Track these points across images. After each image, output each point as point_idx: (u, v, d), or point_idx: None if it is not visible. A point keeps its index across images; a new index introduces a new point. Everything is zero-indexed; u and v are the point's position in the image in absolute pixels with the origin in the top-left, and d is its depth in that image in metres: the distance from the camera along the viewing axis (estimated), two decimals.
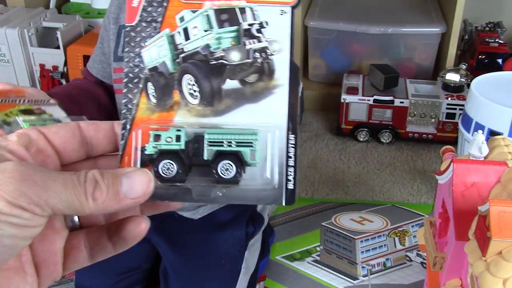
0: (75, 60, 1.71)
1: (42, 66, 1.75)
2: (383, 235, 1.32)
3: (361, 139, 1.69)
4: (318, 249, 1.28)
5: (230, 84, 0.37)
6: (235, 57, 0.37)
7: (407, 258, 1.25)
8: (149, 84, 0.37)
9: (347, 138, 1.71)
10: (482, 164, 0.70)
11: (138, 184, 0.32)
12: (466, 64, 1.65)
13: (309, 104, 1.87)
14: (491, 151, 0.75)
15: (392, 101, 1.62)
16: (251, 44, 0.37)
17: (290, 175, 0.36)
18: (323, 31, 1.82)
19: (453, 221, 0.70)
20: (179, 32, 0.37)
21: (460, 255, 0.68)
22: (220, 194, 0.36)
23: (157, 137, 0.36)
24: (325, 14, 1.86)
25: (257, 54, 0.37)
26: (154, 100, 0.37)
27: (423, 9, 1.91)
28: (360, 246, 1.28)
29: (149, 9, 0.37)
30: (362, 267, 1.23)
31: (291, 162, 0.36)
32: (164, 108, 0.37)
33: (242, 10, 0.37)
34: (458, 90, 1.62)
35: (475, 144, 0.73)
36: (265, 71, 0.37)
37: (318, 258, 1.26)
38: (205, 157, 0.36)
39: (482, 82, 1.29)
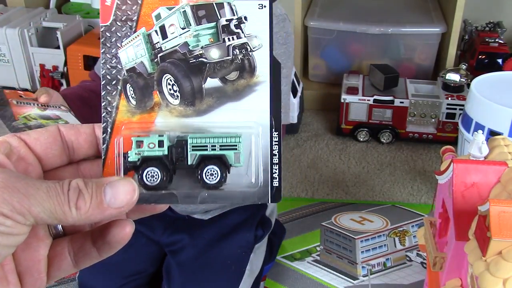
0: (75, 60, 1.71)
1: (42, 66, 1.75)
2: (383, 235, 1.32)
3: (361, 139, 1.69)
4: (318, 249, 1.28)
5: (211, 82, 0.36)
6: (214, 54, 0.36)
7: (407, 258, 1.25)
8: (128, 86, 0.36)
9: (347, 138, 1.71)
10: (482, 164, 0.70)
11: (122, 193, 0.32)
12: (466, 64, 1.65)
13: (309, 104, 1.87)
14: (491, 151, 0.75)
15: (392, 101, 1.62)
16: (231, 41, 0.36)
17: (275, 172, 0.36)
18: (323, 31, 1.82)
19: (453, 221, 0.70)
20: (156, 31, 0.36)
21: (460, 255, 0.68)
22: (206, 195, 0.36)
23: (139, 144, 0.35)
24: (325, 14, 1.86)
25: (237, 51, 0.36)
26: (134, 102, 0.36)
27: (423, 9, 1.91)
28: (360, 246, 1.28)
29: (124, 7, 0.36)
30: (362, 267, 1.23)
31: (276, 160, 0.36)
32: (144, 110, 0.36)
33: (220, 6, 0.36)
34: (458, 90, 1.62)
35: (475, 144, 0.73)
36: (246, 68, 0.36)
37: (318, 258, 1.26)
38: (189, 161, 0.35)
39: (482, 82, 1.29)
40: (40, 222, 0.30)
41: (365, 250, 1.27)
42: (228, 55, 0.36)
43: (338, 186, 1.51)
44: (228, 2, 0.36)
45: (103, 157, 0.35)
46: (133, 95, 0.36)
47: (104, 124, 0.36)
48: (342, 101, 1.65)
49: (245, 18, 0.36)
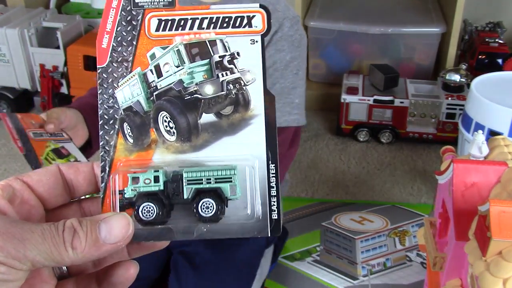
0: (75, 60, 1.71)
1: (42, 66, 1.75)
2: (383, 235, 1.32)
3: (361, 139, 1.69)
4: (318, 249, 1.28)
5: (206, 118, 0.37)
6: (209, 90, 0.37)
7: (407, 258, 1.25)
8: (125, 125, 0.37)
9: (347, 138, 1.71)
10: (482, 164, 0.70)
11: (117, 228, 0.32)
12: (466, 64, 1.65)
13: (309, 104, 1.87)
14: (491, 151, 0.75)
15: (392, 101, 1.62)
16: (224, 76, 0.37)
17: (274, 205, 0.36)
18: (323, 31, 1.82)
19: (453, 221, 0.70)
20: (151, 70, 0.37)
21: (460, 255, 0.68)
22: (204, 230, 0.36)
23: (135, 180, 0.36)
24: (325, 14, 1.86)
25: (231, 86, 0.37)
26: (131, 140, 0.37)
27: (423, 9, 1.91)
28: (360, 246, 1.28)
29: (119, 49, 0.37)
30: (362, 267, 1.23)
31: (273, 192, 0.36)
32: (142, 148, 0.37)
33: (213, 43, 0.37)
34: (458, 90, 1.62)
35: (475, 144, 0.73)
36: (240, 102, 0.37)
37: (318, 258, 1.26)
38: (185, 196, 0.36)
39: (482, 82, 1.29)
40: (37, 265, 0.30)
41: (365, 250, 1.27)
42: (223, 90, 0.37)
43: (338, 186, 1.51)
44: (221, 39, 0.37)
45: (101, 196, 0.36)
46: (130, 134, 0.37)
47: (103, 163, 0.37)
48: (342, 101, 1.65)
49: (238, 53, 0.37)
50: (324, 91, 1.88)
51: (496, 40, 1.81)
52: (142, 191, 0.36)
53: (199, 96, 0.37)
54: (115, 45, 0.37)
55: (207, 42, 0.37)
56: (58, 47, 1.74)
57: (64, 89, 1.79)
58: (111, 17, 0.37)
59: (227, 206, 0.36)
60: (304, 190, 1.49)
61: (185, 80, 0.37)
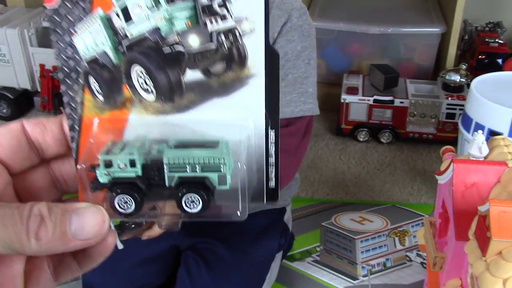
0: None
1: (42, 66, 1.75)
2: (383, 235, 1.32)
3: (361, 139, 1.69)
4: (318, 249, 1.28)
5: (192, 75, 0.30)
6: (194, 42, 0.30)
7: (407, 258, 1.25)
8: (91, 79, 0.31)
9: (347, 138, 1.71)
10: (482, 164, 0.70)
11: (89, 224, 0.28)
12: (466, 64, 1.65)
13: None
14: (491, 151, 0.75)
15: (392, 101, 1.62)
16: (214, 24, 0.29)
17: (272, 173, 0.32)
18: (323, 31, 1.82)
19: (453, 221, 0.70)
20: (116, 14, 0.30)
21: (460, 255, 0.68)
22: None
23: (107, 164, 0.30)
24: (325, 14, 1.86)
25: (223, 37, 0.30)
26: (100, 97, 0.31)
27: (423, 9, 1.91)
28: (360, 246, 1.28)
29: None
30: (362, 267, 1.22)
31: (272, 161, 0.31)
32: (115, 106, 0.31)
33: None
34: (458, 90, 1.62)
35: (475, 144, 0.73)
36: (235, 58, 0.30)
37: (318, 258, 1.25)
38: (167, 183, 0.30)
39: (482, 82, 1.29)
40: None
41: (365, 250, 1.27)
42: (211, 42, 0.30)
43: (338, 186, 1.51)
44: None
45: (74, 157, 0.31)
46: (98, 90, 0.31)
47: (70, 121, 0.31)
48: (342, 101, 1.65)
49: None
50: (324, 91, 1.88)
51: (496, 40, 1.81)
52: (116, 177, 0.30)
53: (182, 50, 0.30)
54: None
55: None
56: None
57: None
58: None
59: (213, 196, 0.30)
60: (304, 190, 1.49)
61: (163, 27, 0.29)
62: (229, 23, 0.29)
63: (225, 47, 0.30)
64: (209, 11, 0.29)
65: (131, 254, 1.05)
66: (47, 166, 0.33)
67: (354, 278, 1.20)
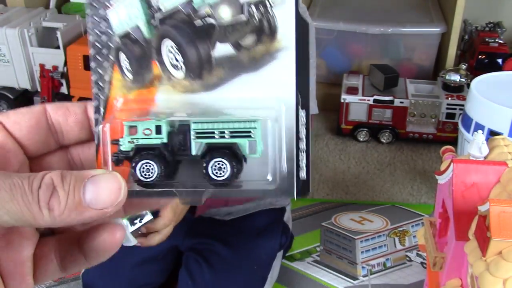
0: (75, 60, 1.71)
1: (42, 66, 1.75)
2: (383, 235, 1.32)
3: (361, 139, 1.69)
4: (318, 249, 1.28)
5: (221, 49, 0.29)
6: (225, 13, 0.29)
7: (407, 258, 1.25)
8: (122, 55, 0.30)
9: (347, 138, 1.71)
10: (482, 164, 0.70)
11: (105, 192, 0.27)
12: (466, 64, 1.65)
13: None
14: (491, 151, 0.75)
15: (392, 101, 1.62)
16: None
17: (302, 160, 0.29)
18: (323, 31, 1.82)
19: (453, 221, 0.70)
20: None
21: (460, 255, 0.68)
22: (214, 189, 0.29)
23: (132, 129, 0.29)
24: (325, 14, 1.86)
25: (253, 8, 0.29)
26: (129, 75, 0.30)
27: (423, 9, 1.91)
28: (360, 246, 1.28)
29: None
30: (362, 267, 1.22)
31: (302, 146, 0.29)
32: (142, 84, 0.30)
33: None
34: (458, 90, 1.62)
35: (475, 144, 0.73)
36: (265, 30, 0.29)
37: (318, 258, 1.25)
38: (193, 152, 0.29)
39: (482, 82, 1.29)
40: (5, 225, 0.26)
41: (365, 250, 1.27)
42: (243, 14, 0.29)
43: (338, 186, 1.51)
44: None
45: (96, 142, 0.30)
46: (128, 67, 0.30)
47: (96, 102, 0.30)
48: (342, 101, 1.65)
49: None
50: (324, 91, 1.88)
51: (496, 40, 1.81)
52: (140, 144, 0.29)
53: (213, 22, 0.29)
54: None
55: None
56: (58, 47, 1.73)
57: (64, 89, 1.78)
58: None
59: (245, 163, 0.29)
60: None
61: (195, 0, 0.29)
62: None
63: (256, 19, 0.29)
64: None
65: (131, 254, 1.05)
66: (66, 151, 0.32)
67: (354, 278, 1.20)
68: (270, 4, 0.28)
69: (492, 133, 1.17)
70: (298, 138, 0.29)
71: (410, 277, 1.19)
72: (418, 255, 1.25)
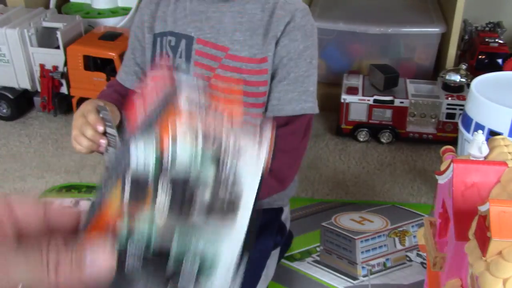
0: (75, 60, 1.71)
1: (42, 66, 1.75)
2: (383, 235, 1.32)
3: (361, 139, 1.69)
4: (318, 249, 1.28)
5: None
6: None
7: (407, 258, 1.25)
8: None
9: (347, 138, 1.71)
10: (482, 164, 0.71)
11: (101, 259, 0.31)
12: (466, 64, 1.65)
13: None
14: (491, 151, 0.75)
15: (392, 101, 1.62)
16: None
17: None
18: (323, 31, 1.81)
19: (453, 221, 0.70)
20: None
21: (460, 255, 0.68)
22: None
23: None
24: (325, 14, 1.86)
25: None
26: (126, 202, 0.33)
27: (423, 9, 1.91)
28: (360, 246, 1.28)
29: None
30: (362, 267, 1.23)
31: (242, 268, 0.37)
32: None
33: None
34: (458, 90, 1.62)
35: (475, 144, 0.73)
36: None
37: (318, 258, 1.25)
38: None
39: (482, 82, 1.29)
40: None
41: (365, 251, 1.27)
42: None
43: (338, 186, 1.51)
44: None
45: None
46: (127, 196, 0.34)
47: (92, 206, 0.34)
48: (342, 101, 1.65)
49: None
50: (324, 91, 1.87)
51: (496, 40, 1.81)
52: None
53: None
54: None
55: None
56: (58, 47, 1.74)
57: (64, 89, 1.78)
58: None
59: None
60: (304, 190, 1.49)
61: None
62: None
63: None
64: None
65: None
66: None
67: (354, 278, 1.20)
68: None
69: (492, 133, 1.17)
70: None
71: (410, 277, 1.19)
72: (418, 255, 1.25)
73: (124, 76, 1.05)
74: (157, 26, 0.99)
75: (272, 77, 0.96)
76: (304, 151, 1.05)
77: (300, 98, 0.97)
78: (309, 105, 0.99)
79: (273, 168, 0.82)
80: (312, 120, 1.04)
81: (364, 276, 1.20)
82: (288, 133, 0.95)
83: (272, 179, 0.95)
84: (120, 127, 0.88)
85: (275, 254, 1.11)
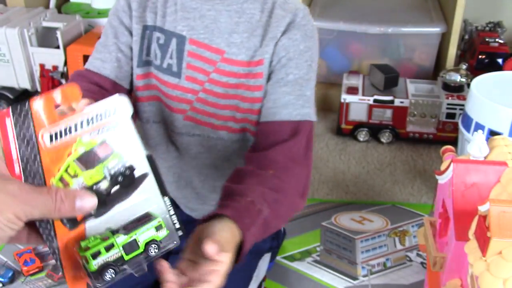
0: (75, 60, 1.71)
1: (42, 66, 1.75)
2: (383, 235, 1.32)
3: (361, 139, 1.69)
4: (318, 249, 1.28)
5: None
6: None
7: (407, 258, 1.25)
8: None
9: (347, 138, 1.71)
10: (482, 164, 0.71)
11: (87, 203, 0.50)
12: (466, 64, 1.65)
13: None
14: (491, 151, 0.75)
15: (392, 101, 1.62)
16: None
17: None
18: (323, 31, 1.82)
19: (453, 221, 0.70)
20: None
21: (460, 255, 0.68)
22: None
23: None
24: (325, 14, 1.86)
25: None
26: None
27: (423, 9, 1.91)
28: (360, 246, 1.28)
29: None
30: (362, 267, 1.23)
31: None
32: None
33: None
34: (458, 90, 1.62)
35: (475, 144, 0.73)
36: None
37: (318, 258, 1.25)
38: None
39: (482, 82, 1.29)
40: (35, 217, 0.48)
41: (365, 250, 1.27)
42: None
43: (338, 186, 1.51)
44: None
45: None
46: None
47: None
48: (342, 101, 1.65)
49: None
50: (324, 91, 1.88)
51: (496, 40, 1.81)
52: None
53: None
54: None
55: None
56: (58, 47, 1.74)
57: None
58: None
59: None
60: None
61: None
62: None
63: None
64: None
65: None
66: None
67: (354, 278, 1.20)
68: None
69: (492, 133, 1.17)
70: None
71: (410, 277, 1.19)
72: (418, 255, 1.25)
73: (100, 64, 0.90)
74: (148, 18, 0.89)
75: (268, 79, 0.89)
76: (312, 160, 0.93)
77: (296, 102, 0.88)
78: (306, 111, 0.88)
79: (291, 186, 0.78)
80: (313, 129, 0.96)
81: (364, 276, 1.20)
82: (295, 144, 0.85)
83: (294, 197, 0.84)
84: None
85: (267, 255, 1.11)
